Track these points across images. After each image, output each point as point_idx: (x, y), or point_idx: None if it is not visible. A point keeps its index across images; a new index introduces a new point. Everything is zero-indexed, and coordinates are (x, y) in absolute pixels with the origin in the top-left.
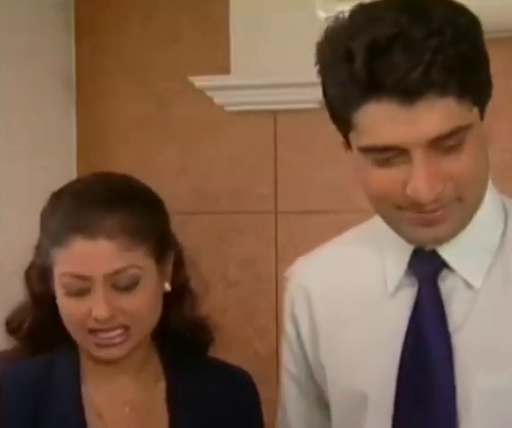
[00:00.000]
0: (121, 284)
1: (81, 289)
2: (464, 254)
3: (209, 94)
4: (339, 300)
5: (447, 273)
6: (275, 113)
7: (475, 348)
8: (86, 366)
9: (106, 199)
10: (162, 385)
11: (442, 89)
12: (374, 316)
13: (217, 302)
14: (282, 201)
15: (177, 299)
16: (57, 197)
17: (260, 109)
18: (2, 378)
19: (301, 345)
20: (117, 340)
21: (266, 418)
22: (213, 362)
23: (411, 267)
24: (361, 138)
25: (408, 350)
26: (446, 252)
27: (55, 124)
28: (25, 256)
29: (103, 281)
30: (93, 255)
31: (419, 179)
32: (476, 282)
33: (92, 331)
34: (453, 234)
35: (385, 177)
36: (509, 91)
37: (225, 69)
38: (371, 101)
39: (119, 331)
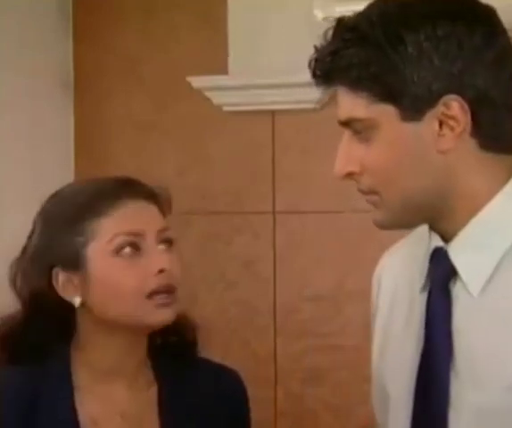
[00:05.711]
0: (165, 241)
1: (134, 247)
2: (470, 258)
3: (207, 94)
4: (393, 287)
5: (457, 276)
6: (273, 113)
7: (468, 359)
8: (78, 372)
9: (123, 178)
10: (154, 390)
11: (329, 80)
12: (408, 316)
13: (216, 302)
14: (280, 202)
15: None
16: (58, 194)
17: (258, 109)
18: None
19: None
20: (169, 299)
21: (264, 417)
22: (203, 363)
23: (430, 269)
24: None
25: (424, 354)
26: (455, 256)
27: (53, 124)
28: None
29: (156, 236)
30: (144, 213)
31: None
32: (475, 290)
33: (150, 295)
34: (388, 220)
35: None
36: None
37: (223, 70)
38: None
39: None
